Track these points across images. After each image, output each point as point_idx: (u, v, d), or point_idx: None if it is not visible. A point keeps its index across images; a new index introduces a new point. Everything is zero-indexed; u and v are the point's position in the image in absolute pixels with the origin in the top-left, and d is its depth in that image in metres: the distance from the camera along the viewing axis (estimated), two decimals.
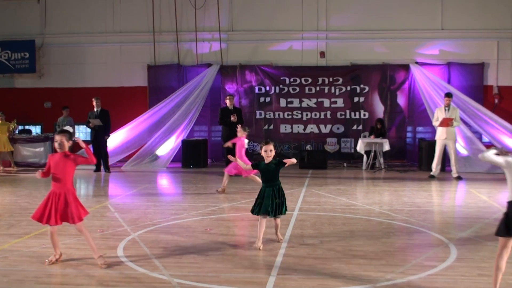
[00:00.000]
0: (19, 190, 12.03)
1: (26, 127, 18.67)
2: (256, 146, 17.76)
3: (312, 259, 6.31)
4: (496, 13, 17.44)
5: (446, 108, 14.00)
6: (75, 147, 6.68)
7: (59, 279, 5.61)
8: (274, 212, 6.83)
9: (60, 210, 5.93)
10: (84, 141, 6.43)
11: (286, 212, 7.12)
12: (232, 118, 14.37)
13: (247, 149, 11.86)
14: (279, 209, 6.87)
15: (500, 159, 4.83)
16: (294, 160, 7.07)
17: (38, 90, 19.13)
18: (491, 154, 4.86)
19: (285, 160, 6.94)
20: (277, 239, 7.11)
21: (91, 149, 15.69)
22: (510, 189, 4.82)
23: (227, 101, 14.82)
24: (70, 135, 6.18)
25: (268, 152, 6.91)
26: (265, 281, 5.48)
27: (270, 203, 6.78)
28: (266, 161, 6.95)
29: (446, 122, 13.83)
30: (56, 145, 6.07)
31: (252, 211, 6.98)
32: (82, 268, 5.91)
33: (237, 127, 11.69)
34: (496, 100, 17.46)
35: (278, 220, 7.08)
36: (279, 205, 6.87)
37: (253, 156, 16.98)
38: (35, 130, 18.88)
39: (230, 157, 7.93)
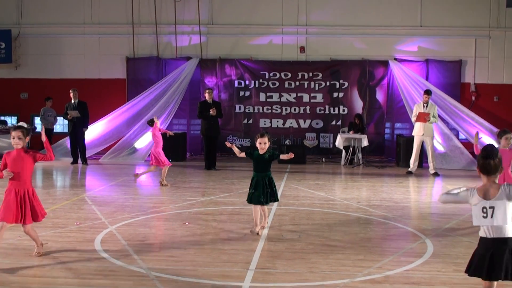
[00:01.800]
0: None
1: (2, 117, 18.38)
2: (235, 140, 17.74)
3: (291, 253, 6.32)
4: (474, 11, 17.63)
5: (425, 105, 14.11)
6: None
7: (35, 271, 5.54)
8: (266, 201, 7.19)
9: (25, 209, 5.82)
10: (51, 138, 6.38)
11: (278, 200, 7.66)
12: (211, 112, 14.32)
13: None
14: (270, 197, 7.24)
15: (458, 197, 4.23)
16: (291, 155, 7.32)
17: (14, 81, 18.84)
18: (448, 194, 4.30)
19: (282, 156, 7.43)
20: (261, 224, 7.30)
21: (71, 147, 15.55)
22: (475, 222, 4.15)
23: (206, 95, 14.75)
24: (28, 131, 5.96)
25: (262, 144, 7.16)
26: (243, 275, 5.47)
27: (262, 193, 7.11)
28: (260, 152, 7.22)
29: (423, 117, 13.94)
30: (13, 141, 5.81)
31: (249, 201, 7.25)
32: (59, 260, 5.85)
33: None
34: (473, 98, 17.66)
35: (266, 208, 7.42)
36: (270, 193, 7.21)
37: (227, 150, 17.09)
38: (11, 121, 18.60)
39: (228, 143, 7.97)
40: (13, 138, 5.81)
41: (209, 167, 14.54)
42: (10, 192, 5.82)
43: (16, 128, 5.88)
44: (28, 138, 5.91)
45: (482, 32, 17.63)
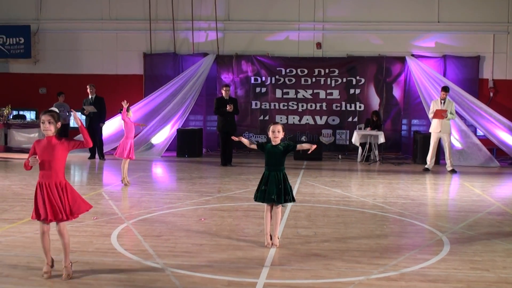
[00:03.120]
0: (12, 175, 11.99)
1: (21, 112, 18.59)
2: (251, 136, 17.76)
3: (306, 250, 6.32)
4: (492, 6, 17.46)
5: (442, 101, 14.01)
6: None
7: None
8: (280, 199, 6.26)
9: (56, 204, 5.06)
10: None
11: (295, 201, 6.68)
12: (227, 108, 14.34)
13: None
14: (285, 196, 6.28)
15: None
16: (314, 146, 6.42)
17: (33, 76, 19.04)
18: None
19: (299, 147, 6.53)
20: (272, 241, 6.39)
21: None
22: None
23: (223, 91, 14.76)
24: (59, 116, 5.20)
25: (275, 133, 6.28)
26: (258, 271, 5.48)
27: (275, 189, 6.23)
28: (273, 143, 6.37)
29: (440, 114, 13.84)
30: (43, 126, 5.08)
31: (255, 198, 6.45)
32: (76, 254, 5.88)
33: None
34: (491, 94, 17.50)
35: (279, 213, 6.44)
36: (284, 191, 6.26)
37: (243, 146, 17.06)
38: (30, 115, 18.80)
39: (234, 137, 7.13)
40: (43, 123, 5.07)
41: (225, 163, 14.57)
42: (38, 185, 5.11)
43: (46, 112, 5.12)
44: (59, 124, 5.15)
45: (500, 27, 17.45)
